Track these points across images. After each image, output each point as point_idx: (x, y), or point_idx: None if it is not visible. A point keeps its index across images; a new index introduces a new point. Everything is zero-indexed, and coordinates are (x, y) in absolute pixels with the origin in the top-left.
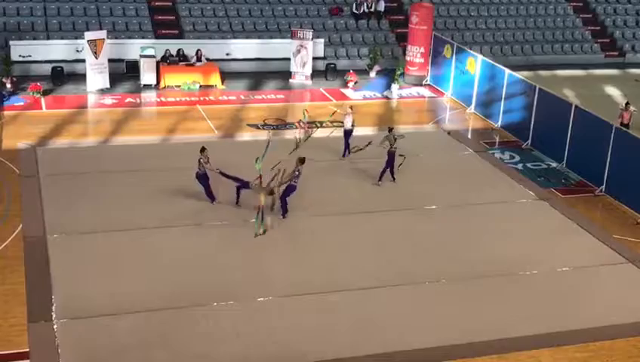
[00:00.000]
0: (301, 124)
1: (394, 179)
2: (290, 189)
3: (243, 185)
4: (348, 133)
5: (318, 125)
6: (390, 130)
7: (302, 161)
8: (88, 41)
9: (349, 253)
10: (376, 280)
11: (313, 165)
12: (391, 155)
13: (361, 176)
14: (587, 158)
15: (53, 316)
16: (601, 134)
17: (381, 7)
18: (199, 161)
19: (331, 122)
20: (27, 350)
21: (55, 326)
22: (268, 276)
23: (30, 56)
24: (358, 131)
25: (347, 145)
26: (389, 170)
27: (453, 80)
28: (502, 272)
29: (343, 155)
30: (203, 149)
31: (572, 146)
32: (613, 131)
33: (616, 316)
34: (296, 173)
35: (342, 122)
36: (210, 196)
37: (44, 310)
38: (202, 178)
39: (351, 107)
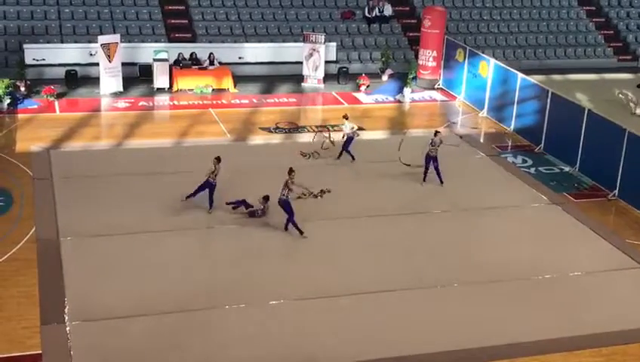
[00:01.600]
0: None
1: (441, 182)
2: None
3: (249, 210)
4: (348, 140)
5: (330, 129)
6: (436, 133)
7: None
8: (102, 44)
9: (360, 256)
10: (387, 283)
11: (323, 169)
12: (429, 158)
13: (372, 179)
14: (600, 163)
15: (66, 318)
16: (614, 138)
17: (388, 11)
18: (212, 172)
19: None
20: (40, 352)
21: (68, 329)
22: (280, 279)
23: (44, 59)
24: (373, 135)
25: (347, 151)
26: (435, 172)
27: (466, 84)
28: (514, 277)
29: (352, 159)
30: (220, 159)
31: (585, 150)
32: (627, 135)
33: (630, 320)
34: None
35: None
36: (210, 203)
37: (56, 312)
38: (211, 188)
39: (345, 116)
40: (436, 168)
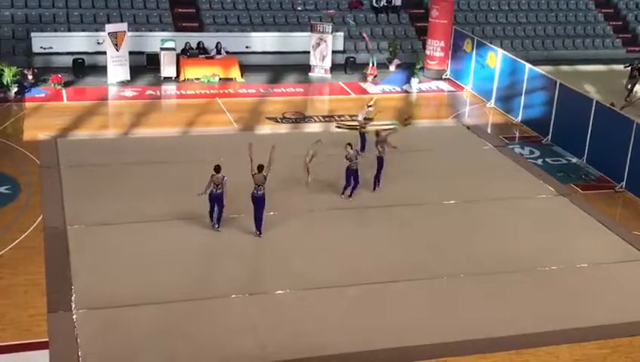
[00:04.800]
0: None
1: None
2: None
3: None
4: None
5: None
6: (349, 146)
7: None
8: (109, 33)
9: (367, 247)
10: (393, 274)
11: (330, 159)
12: (350, 172)
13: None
14: (608, 154)
15: (73, 306)
16: (621, 130)
17: (398, 0)
18: (220, 180)
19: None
20: (46, 340)
21: (74, 317)
22: (286, 269)
23: (51, 47)
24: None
25: (364, 140)
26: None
27: (473, 74)
28: (520, 268)
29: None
30: (219, 168)
31: (592, 142)
32: (634, 127)
33: (636, 312)
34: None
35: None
36: (211, 217)
37: (63, 300)
38: (219, 199)
39: (369, 105)
40: (356, 181)
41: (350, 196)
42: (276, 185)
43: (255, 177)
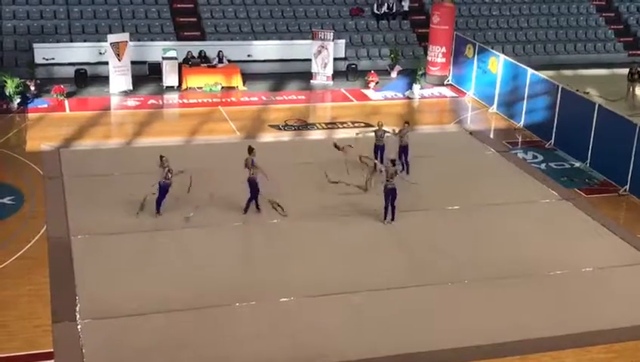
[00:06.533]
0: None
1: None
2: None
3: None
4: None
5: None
6: (394, 162)
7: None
8: (111, 43)
9: (371, 253)
10: (398, 280)
11: (334, 165)
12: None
13: (380, 176)
14: (611, 158)
15: (78, 316)
16: (625, 133)
17: (405, 6)
18: (168, 170)
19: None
20: (51, 350)
21: (79, 327)
22: (290, 277)
23: (54, 58)
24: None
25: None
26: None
27: (475, 80)
28: (525, 273)
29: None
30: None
31: (596, 146)
32: (637, 130)
33: None
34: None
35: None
36: (158, 206)
37: (68, 310)
38: (164, 189)
39: (407, 122)
40: (394, 201)
41: (393, 220)
42: (280, 192)
43: (247, 160)
